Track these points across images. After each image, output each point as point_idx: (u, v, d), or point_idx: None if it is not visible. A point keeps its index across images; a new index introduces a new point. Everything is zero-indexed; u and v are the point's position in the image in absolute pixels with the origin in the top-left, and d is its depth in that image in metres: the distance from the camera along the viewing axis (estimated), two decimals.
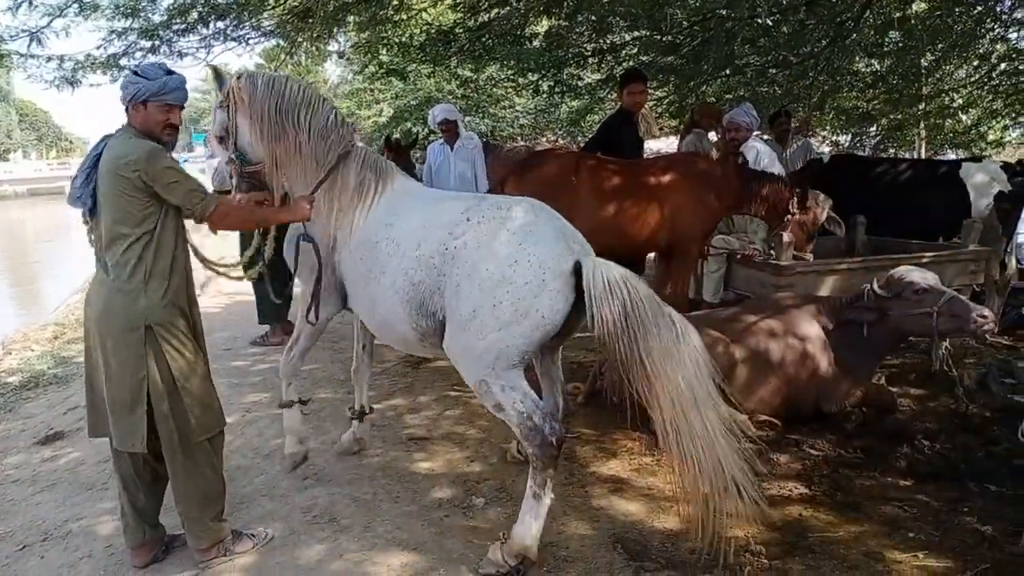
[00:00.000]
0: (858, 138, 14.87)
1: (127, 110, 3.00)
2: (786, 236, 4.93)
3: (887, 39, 8.73)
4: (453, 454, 4.21)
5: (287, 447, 3.90)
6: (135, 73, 2.99)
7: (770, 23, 7.63)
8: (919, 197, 6.32)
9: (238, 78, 3.42)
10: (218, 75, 3.45)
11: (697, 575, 2.98)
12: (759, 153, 5.63)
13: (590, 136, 7.06)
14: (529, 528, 3.02)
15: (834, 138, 15.73)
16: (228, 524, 3.28)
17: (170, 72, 3.02)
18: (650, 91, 8.56)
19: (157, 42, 6.45)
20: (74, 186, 2.96)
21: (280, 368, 3.81)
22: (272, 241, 3.73)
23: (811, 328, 4.36)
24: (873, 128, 14.11)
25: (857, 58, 9.16)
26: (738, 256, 5.54)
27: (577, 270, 2.93)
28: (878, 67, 10.08)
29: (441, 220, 3.15)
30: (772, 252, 5.18)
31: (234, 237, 6.80)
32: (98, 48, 6.45)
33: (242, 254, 4.10)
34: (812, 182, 5.29)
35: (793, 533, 3.25)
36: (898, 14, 7.46)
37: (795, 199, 4.92)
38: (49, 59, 6.23)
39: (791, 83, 9.50)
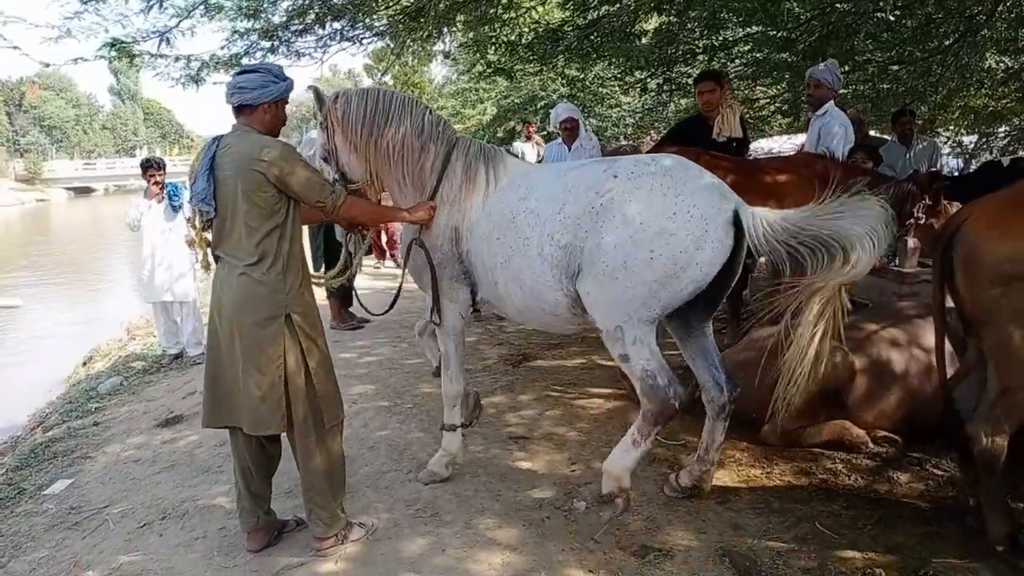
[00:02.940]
0: (985, 139, 13.98)
1: (254, 108, 3.04)
2: (911, 241, 4.66)
3: (1021, 34, 8.16)
4: (553, 455, 4.17)
5: (435, 464, 3.87)
6: (273, 73, 3.06)
7: (893, 17, 7.26)
8: None
9: (335, 100, 3.46)
10: (319, 96, 3.49)
11: None
12: (824, 125, 5.28)
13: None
14: (621, 462, 3.19)
15: (958, 138, 14.83)
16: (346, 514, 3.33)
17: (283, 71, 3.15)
18: (763, 87, 8.26)
19: (276, 42, 6.68)
20: (196, 189, 3.01)
21: (443, 391, 3.78)
22: (360, 261, 3.83)
23: None
24: (1002, 129, 13.24)
25: (988, 54, 8.61)
26: None
27: (736, 220, 2.91)
28: (1010, 64, 9.44)
29: (583, 182, 3.12)
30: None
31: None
32: (221, 48, 6.73)
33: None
34: (993, 185, 4.93)
35: (915, 558, 3.05)
36: None
37: (922, 203, 4.64)
38: (177, 59, 6.53)
39: (915, 80, 9.00)
